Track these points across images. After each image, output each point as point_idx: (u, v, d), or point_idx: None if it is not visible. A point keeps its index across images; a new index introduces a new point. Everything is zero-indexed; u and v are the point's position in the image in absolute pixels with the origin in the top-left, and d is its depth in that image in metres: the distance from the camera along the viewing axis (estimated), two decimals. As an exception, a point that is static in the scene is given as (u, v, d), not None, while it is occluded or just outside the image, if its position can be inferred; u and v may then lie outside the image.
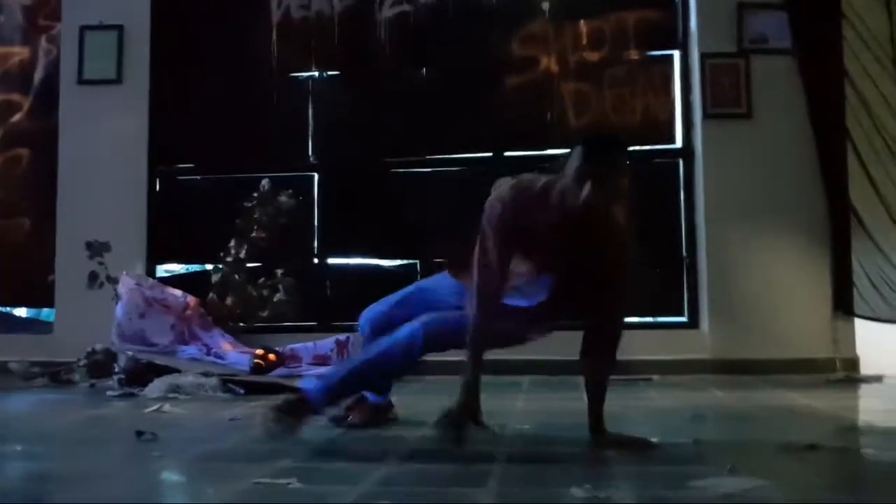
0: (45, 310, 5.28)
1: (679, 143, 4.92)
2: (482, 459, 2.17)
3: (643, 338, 4.57)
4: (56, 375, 4.26)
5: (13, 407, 3.59)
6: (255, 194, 4.80)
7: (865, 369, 4.46)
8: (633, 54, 5.00)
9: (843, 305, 4.57)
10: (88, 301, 4.64)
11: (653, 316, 4.89)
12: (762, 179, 4.64)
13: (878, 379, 4.18)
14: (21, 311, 5.47)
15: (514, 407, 3.20)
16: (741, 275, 4.64)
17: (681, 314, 4.85)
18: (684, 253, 4.86)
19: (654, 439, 2.40)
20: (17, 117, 5.34)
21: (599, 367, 2.40)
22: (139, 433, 2.59)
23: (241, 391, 3.74)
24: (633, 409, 3.10)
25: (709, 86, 4.74)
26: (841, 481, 1.90)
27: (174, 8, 5.19)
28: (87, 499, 1.88)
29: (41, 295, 5.15)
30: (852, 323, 4.58)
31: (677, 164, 4.91)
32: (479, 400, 2.31)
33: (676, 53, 4.97)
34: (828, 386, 3.91)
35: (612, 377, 2.44)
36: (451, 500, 1.79)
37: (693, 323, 4.80)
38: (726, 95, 4.71)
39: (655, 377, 4.27)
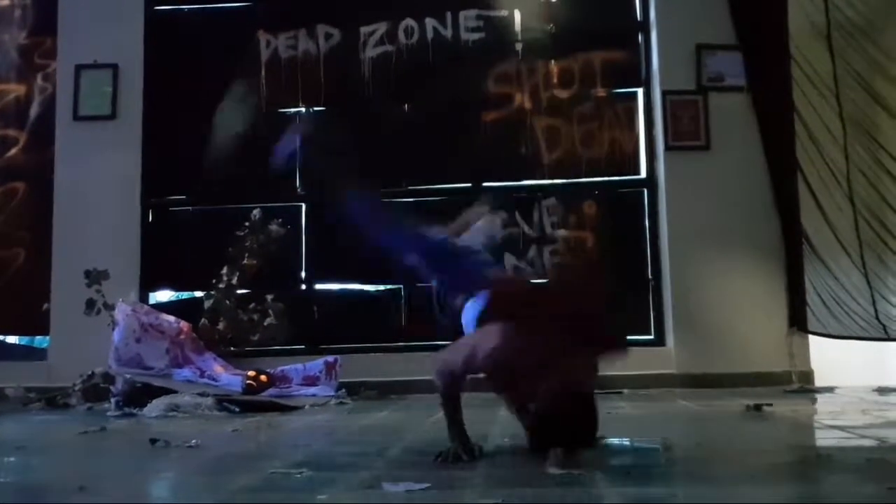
0: (38, 337, 5.33)
1: (643, 174, 5.14)
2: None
3: (613, 355, 4.83)
4: (53, 399, 4.31)
5: (18, 426, 3.62)
6: (247, 223, 4.86)
7: (819, 381, 4.67)
8: (600, 92, 5.20)
9: (798, 323, 4.77)
10: (82, 328, 4.67)
11: (622, 334, 5.13)
12: (721, 207, 4.85)
13: (830, 390, 4.38)
14: (13, 339, 5.51)
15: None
16: (703, 296, 4.83)
17: (648, 332, 5.00)
18: (650, 276, 5.04)
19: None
20: (12, 152, 5.40)
21: None
22: (153, 440, 2.71)
23: (237, 409, 3.84)
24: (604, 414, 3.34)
25: (670, 120, 4.97)
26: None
27: (167, 48, 5.32)
28: (125, 496, 2.01)
29: (35, 323, 5.19)
30: (807, 339, 4.79)
31: (642, 194, 5.12)
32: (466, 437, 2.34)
33: (640, 91, 5.19)
34: (783, 395, 4.10)
35: None
36: (446, 481, 2.01)
37: (659, 340, 4.96)
38: (686, 129, 4.94)
39: (625, 390, 4.45)
